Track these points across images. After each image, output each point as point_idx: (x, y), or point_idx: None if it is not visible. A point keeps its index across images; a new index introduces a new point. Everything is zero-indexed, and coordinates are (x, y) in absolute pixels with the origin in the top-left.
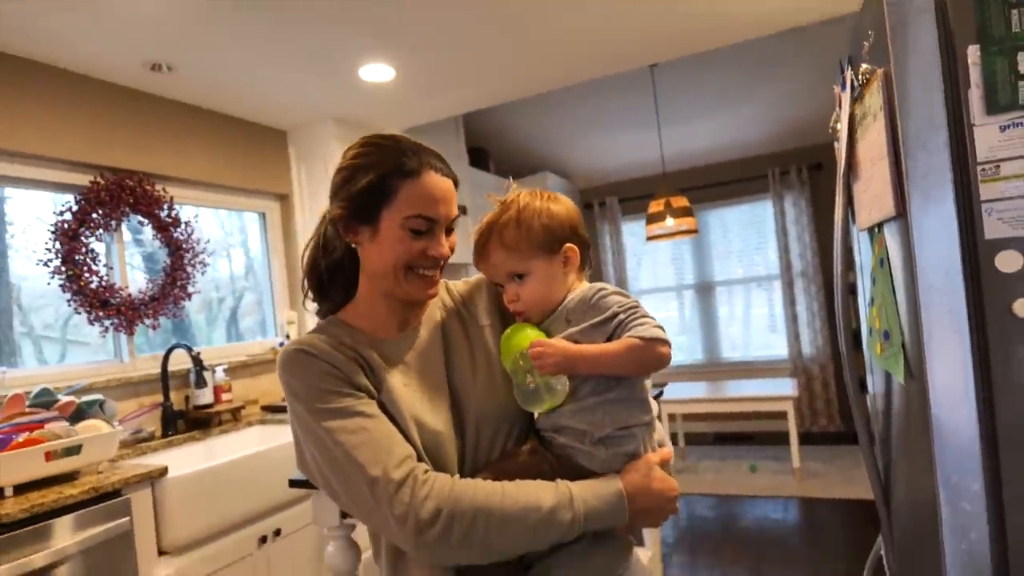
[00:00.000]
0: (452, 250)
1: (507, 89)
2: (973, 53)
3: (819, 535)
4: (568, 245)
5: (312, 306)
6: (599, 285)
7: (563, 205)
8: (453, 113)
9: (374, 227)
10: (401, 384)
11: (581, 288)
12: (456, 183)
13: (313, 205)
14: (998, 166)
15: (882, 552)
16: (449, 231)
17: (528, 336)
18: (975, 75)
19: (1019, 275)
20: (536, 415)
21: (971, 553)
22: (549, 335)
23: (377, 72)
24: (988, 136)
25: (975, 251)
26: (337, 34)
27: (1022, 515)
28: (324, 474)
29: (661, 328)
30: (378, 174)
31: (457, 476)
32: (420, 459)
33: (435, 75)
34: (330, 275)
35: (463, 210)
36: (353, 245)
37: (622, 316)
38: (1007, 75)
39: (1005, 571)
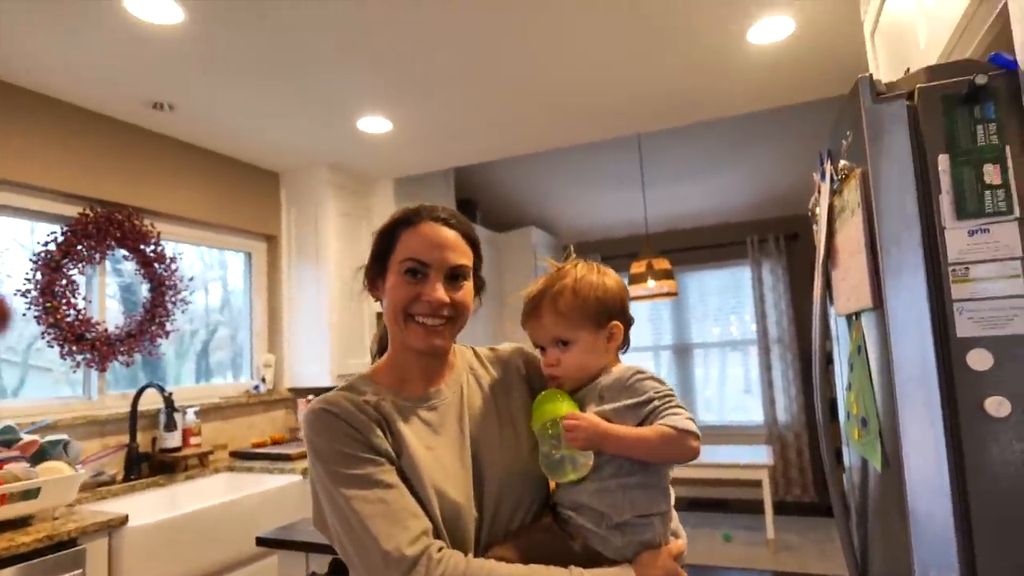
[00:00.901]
0: (461, 304)
1: (499, 147)
2: (943, 161)
3: None
4: (615, 322)
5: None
6: (636, 367)
7: (615, 282)
8: (446, 166)
9: (384, 278)
10: (423, 448)
11: (620, 367)
12: (471, 239)
13: (301, 248)
14: (967, 268)
15: None
16: (457, 283)
17: (561, 406)
18: (945, 182)
19: (990, 373)
20: (554, 490)
21: None
22: (581, 406)
23: (375, 124)
24: (958, 239)
25: (948, 347)
26: (338, 86)
27: None
28: (340, 537)
29: (693, 421)
30: (387, 228)
31: (471, 555)
32: (436, 530)
33: (431, 130)
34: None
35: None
36: (376, 301)
37: (657, 403)
38: (974, 184)
39: None
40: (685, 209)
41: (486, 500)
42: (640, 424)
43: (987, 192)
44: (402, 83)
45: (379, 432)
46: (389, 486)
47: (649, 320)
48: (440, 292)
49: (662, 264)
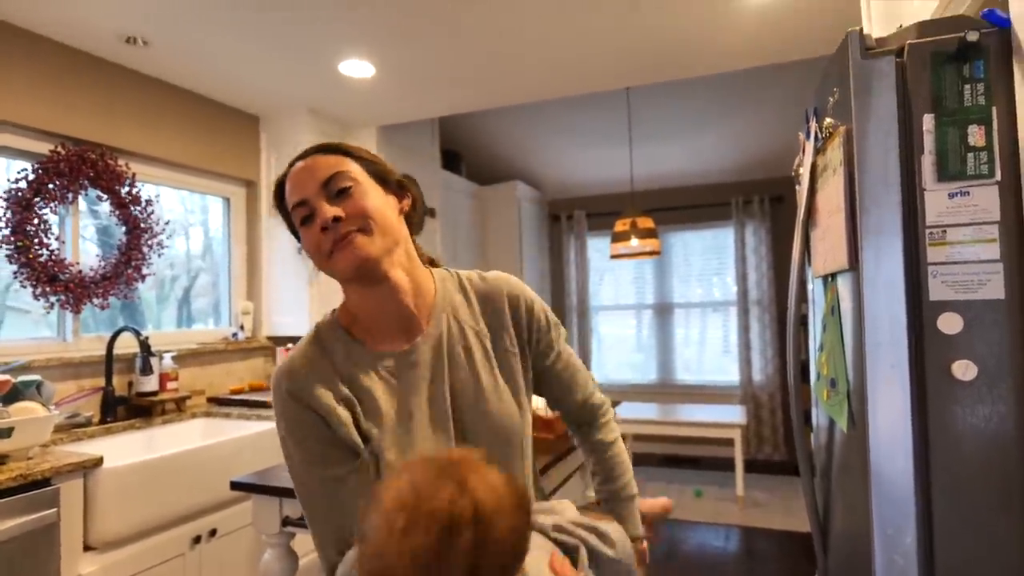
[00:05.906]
0: (355, 209)
1: (485, 97)
2: (928, 122)
3: (757, 565)
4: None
5: None
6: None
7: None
8: (430, 116)
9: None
10: (393, 412)
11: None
12: (340, 150)
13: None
14: (944, 231)
15: None
16: (343, 195)
17: None
18: (929, 143)
19: (959, 337)
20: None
21: None
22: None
23: (357, 68)
24: (937, 201)
25: (920, 310)
26: (320, 25)
27: (951, 573)
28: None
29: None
30: (276, 196)
31: None
32: None
33: (415, 77)
34: None
35: (431, 212)
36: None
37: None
38: (958, 145)
39: None
40: (671, 168)
41: None
42: None
43: (970, 154)
44: (385, 25)
45: (343, 411)
46: (340, 480)
47: (634, 279)
48: (326, 210)
49: (646, 223)
